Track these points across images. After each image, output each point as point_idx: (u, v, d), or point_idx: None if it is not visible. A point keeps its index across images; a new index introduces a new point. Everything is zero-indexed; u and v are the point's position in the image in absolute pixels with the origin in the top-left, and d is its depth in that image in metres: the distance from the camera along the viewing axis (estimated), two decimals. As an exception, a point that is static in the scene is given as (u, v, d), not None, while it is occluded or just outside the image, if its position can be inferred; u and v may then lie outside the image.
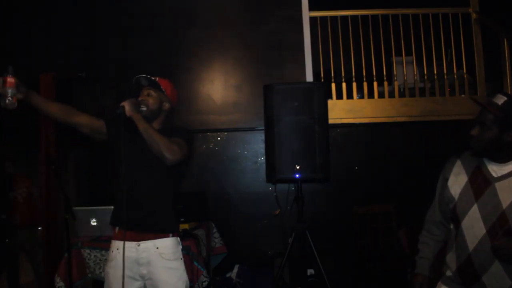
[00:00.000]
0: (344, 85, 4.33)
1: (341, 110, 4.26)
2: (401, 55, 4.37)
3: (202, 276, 2.98)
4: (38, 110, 2.07)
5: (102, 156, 3.95)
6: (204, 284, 2.99)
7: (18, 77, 1.90)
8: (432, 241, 1.97)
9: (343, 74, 4.34)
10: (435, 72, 4.39)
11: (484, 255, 1.69)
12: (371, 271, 3.75)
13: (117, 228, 2.19)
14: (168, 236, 2.17)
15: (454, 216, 1.82)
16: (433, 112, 4.28)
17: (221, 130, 4.32)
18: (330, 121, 3.54)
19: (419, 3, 4.41)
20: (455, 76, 4.37)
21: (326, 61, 4.30)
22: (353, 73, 4.40)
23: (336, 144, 4.28)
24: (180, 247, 2.24)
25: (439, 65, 4.41)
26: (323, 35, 4.31)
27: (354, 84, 4.37)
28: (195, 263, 2.98)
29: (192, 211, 3.54)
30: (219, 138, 4.34)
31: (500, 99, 1.71)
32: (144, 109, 2.16)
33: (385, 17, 4.43)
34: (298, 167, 3.12)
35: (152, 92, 2.24)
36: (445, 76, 4.41)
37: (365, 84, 4.34)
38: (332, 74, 4.37)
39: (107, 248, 2.31)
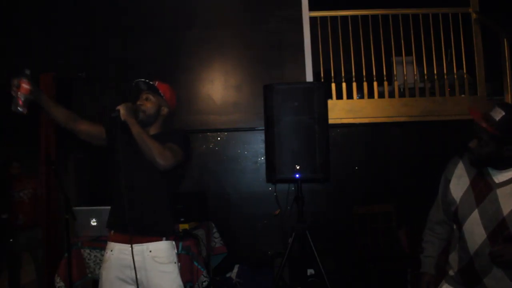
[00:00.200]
0: (344, 85, 4.33)
1: (341, 110, 4.26)
2: (401, 55, 4.37)
3: (202, 276, 2.99)
4: (44, 111, 2.09)
5: (102, 157, 3.94)
6: (204, 284, 2.99)
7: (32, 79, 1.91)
8: (436, 239, 1.97)
9: (343, 74, 4.34)
10: (435, 72, 4.39)
11: (485, 259, 1.69)
12: (371, 271, 3.75)
13: (112, 230, 2.20)
14: (161, 240, 2.16)
15: (456, 219, 1.82)
16: (433, 112, 4.28)
17: (221, 130, 4.32)
18: (330, 121, 3.55)
19: (419, 3, 4.40)
20: (455, 76, 4.37)
21: (326, 61, 4.30)
22: (353, 73, 4.40)
23: (336, 144, 4.28)
24: (175, 251, 2.22)
25: (439, 65, 4.41)
26: (323, 35, 4.31)
27: (354, 84, 4.37)
28: (195, 263, 2.98)
29: (192, 211, 3.55)
30: (219, 138, 4.34)
31: (498, 114, 1.67)
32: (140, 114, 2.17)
33: (385, 17, 4.42)
34: (298, 167, 3.12)
35: (151, 97, 2.24)
36: (445, 76, 4.41)
37: (365, 84, 4.34)
38: (332, 74, 4.37)
39: (106, 248, 2.31)
